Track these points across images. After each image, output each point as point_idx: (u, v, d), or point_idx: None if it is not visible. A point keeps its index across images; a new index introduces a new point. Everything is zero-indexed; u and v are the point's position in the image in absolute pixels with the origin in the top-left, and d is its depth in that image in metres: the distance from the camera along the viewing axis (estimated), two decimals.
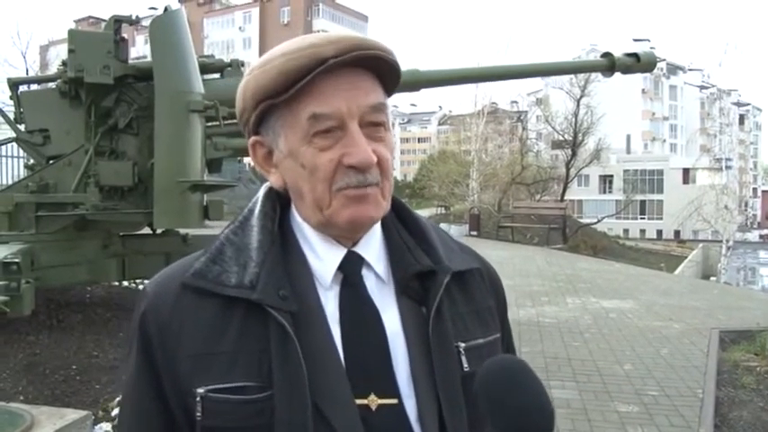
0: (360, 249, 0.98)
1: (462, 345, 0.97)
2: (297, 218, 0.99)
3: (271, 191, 1.01)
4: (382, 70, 0.94)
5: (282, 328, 0.88)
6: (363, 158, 0.90)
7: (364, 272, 0.97)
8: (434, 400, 0.92)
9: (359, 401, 0.89)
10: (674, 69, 77.02)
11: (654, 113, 75.15)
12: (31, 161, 6.91)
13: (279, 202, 1.00)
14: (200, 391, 0.89)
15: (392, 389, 0.91)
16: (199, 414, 0.89)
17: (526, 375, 0.84)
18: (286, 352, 0.88)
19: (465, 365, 0.95)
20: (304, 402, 0.86)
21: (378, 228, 1.01)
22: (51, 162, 6.41)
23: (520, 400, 0.81)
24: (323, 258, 0.96)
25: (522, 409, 0.81)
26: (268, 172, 0.99)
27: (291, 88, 0.89)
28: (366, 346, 0.92)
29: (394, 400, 0.91)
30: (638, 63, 7.35)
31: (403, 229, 1.03)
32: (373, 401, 0.90)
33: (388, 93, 0.97)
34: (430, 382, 0.92)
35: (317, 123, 0.90)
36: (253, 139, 0.98)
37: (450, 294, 0.99)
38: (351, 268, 0.96)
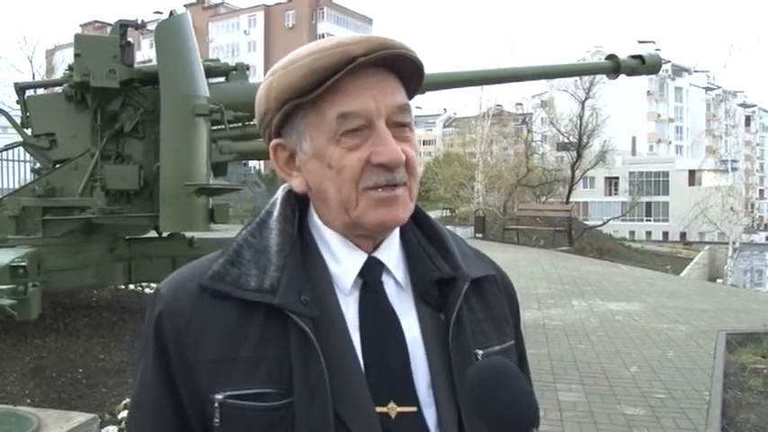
0: (380, 255, 0.96)
1: (480, 352, 0.96)
2: (317, 221, 0.97)
3: (290, 193, 0.99)
4: (407, 71, 0.94)
5: (304, 334, 0.87)
6: (393, 157, 0.89)
7: (384, 278, 0.96)
8: (454, 407, 0.91)
9: (378, 409, 0.88)
10: (679, 71, 76.86)
11: (659, 115, 74.98)
12: (38, 165, 6.95)
13: (297, 205, 0.99)
14: (219, 397, 0.87)
15: (412, 396, 0.90)
16: (217, 421, 0.87)
17: (517, 375, 0.86)
18: (307, 358, 0.86)
19: None
20: (326, 410, 0.85)
21: (396, 233, 0.99)
22: (58, 166, 6.44)
23: (511, 397, 0.83)
24: (343, 263, 0.95)
25: (513, 406, 0.83)
26: (290, 175, 0.97)
27: (320, 87, 0.88)
28: (386, 353, 0.91)
29: (413, 408, 0.90)
30: (643, 65, 7.35)
31: (421, 235, 1.02)
32: (393, 409, 0.89)
33: (410, 95, 0.96)
34: (449, 389, 0.92)
35: (346, 122, 0.89)
36: (275, 141, 0.97)
37: (469, 301, 0.98)
38: (371, 274, 0.95)
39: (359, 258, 0.95)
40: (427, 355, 0.93)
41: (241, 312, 0.89)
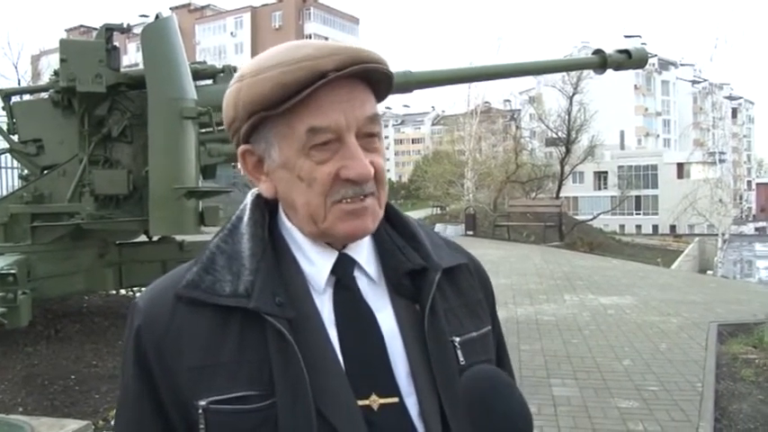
0: (350, 252, 0.98)
1: (457, 339, 0.98)
2: (286, 224, 0.99)
3: (259, 197, 1.00)
4: (376, 79, 0.94)
5: (281, 335, 0.88)
6: (362, 172, 0.90)
7: (356, 274, 0.97)
8: (435, 396, 0.93)
9: (361, 403, 0.89)
10: (665, 65, 77.36)
11: (647, 109, 75.42)
12: (26, 172, 6.90)
13: (267, 209, 1.00)
14: (202, 403, 0.88)
15: (392, 388, 0.92)
16: (202, 427, 0.88)
17: (508, 384, 0.90)
18: (286, 359, 0.88)
19: (461, 359, 0.96)
20: (308, 408, 0.86)
21: None
22: (46, 172, 6.41)
23: (504, 406, 0.87)
24: (315, 263, 0.96)
25: (507, 415, 0.86)
26: (258, 180, 0.98)
27: (289, 101, 0.88)
28: (364, 347, 0.93)
29: (395, 399, 0.91)
30: (630, 59, 7.37)
31: (391, 229, 1.03)
32: (375, 402, 0.90)
33: (379, 99, 0.97)
34: (429, 378, 0.93)
35: (316, 137, 0.90)
36: (243, 147, 0.97)
37: (442, 290, 1.00)
38: (343, 271, 0.97)
39: (330, 256, 0.97)
40: (405, 345, 0.94)
41: (218, 318, 0.90)
